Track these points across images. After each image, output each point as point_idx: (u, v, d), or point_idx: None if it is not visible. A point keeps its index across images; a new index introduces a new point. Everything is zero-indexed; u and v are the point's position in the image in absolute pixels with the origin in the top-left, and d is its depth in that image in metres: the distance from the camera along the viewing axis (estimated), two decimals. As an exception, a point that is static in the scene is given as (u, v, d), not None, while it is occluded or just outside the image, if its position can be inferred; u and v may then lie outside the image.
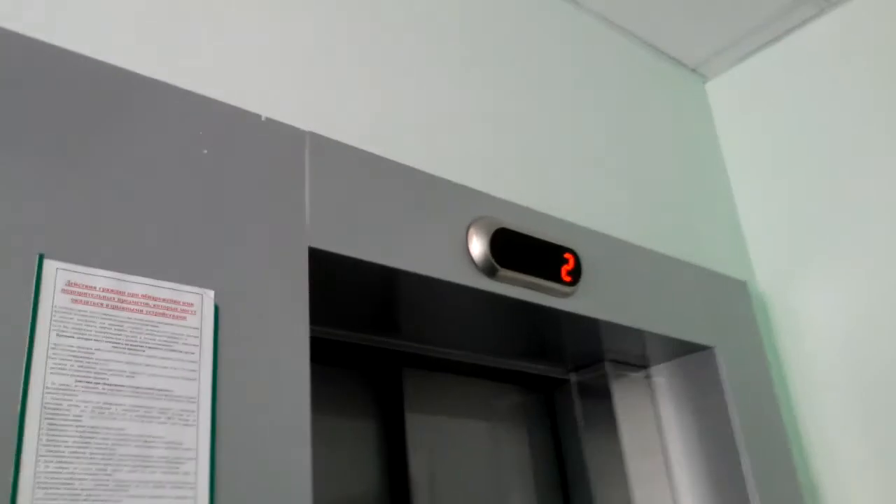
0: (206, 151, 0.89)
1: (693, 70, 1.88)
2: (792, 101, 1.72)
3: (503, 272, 1.11)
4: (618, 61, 1.71)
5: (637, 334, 1.33)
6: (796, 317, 1.60)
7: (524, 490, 1.38)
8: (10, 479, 0.65)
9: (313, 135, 0.99)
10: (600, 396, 1.42)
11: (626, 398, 1.43)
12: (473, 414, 1.37)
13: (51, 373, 0.70)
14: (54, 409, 0.69)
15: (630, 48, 1.75)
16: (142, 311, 0.78)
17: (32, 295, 0.71)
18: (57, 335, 0.72)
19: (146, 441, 0.73)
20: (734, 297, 1.53)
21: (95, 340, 0.74)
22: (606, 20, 1.70)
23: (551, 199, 1.35)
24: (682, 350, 1.43)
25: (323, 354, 1.15)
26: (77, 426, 0.70)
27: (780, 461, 1.41)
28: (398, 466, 1.21)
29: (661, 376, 1.48)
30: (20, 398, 0.68)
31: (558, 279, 1.18)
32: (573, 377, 1.46)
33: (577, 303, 1.21)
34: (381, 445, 1.23)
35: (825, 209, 1.61)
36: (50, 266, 0.73)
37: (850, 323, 1.52)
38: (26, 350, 0.69)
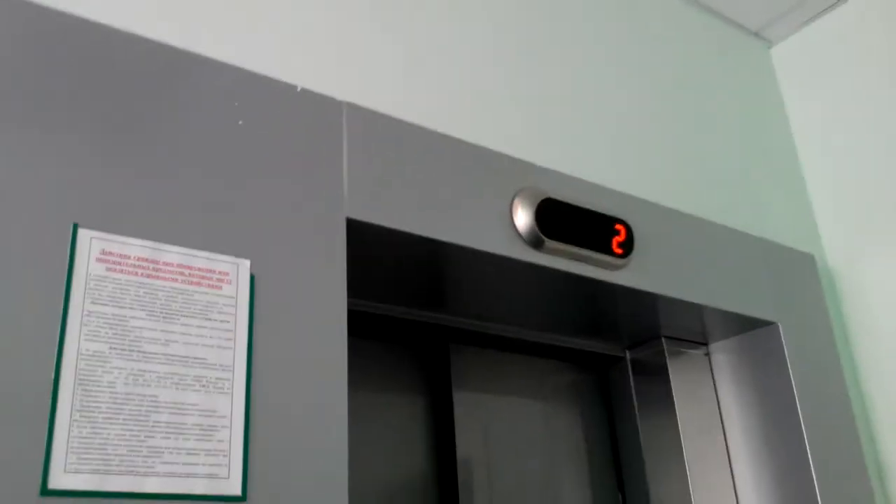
0: (241, 122, 0.89)
1: (756, 34, 1.79)
2: (862, 64, 1.62)
3: (550, 244, 1.07)
4: (675, 26, 1.64)
5: (695, 309, 1.28)
6: (865, 292, 1.51)
7: (577, 472, 1.35)
8: (44, 445, 0.65)
9: (350, 105, 0.97)
10: (657, 374, 1.37)
11: (683, 376, 1.38)
12: (524, 392, 1.34)
13: (85, 340, 0.71)
14: (88, 375, 0.70)
15: (688, 12, 1.68)
16: (176, 279, 0.78)
17: (67, 263, 0.72)
18: (91, 303, 0.72)
19: (180, 408, 0.73)
20: (800, 270, 1.46)
21: (130, 308, 0.74)
22: (661, -15, 1.63)
23: (601, 169, 1.30)
24: (744, 326, 1.37)
25: (367, 329, 1.14)
26: (111, 393, 0.70)
27: (846, 442, 1.34)
28: (445, 445, 1.19)
29: (722, 353, 1.42)
30: (54, 364, 0.68)
31: (609, 251, 1.14)
32: (628, 354, 1.42)
33: (629, 276, 1.17)
34: (428, 423, 1.21)
35: (900, 178, 1.52)
36: (84, 235, 0.74)
37: (927, 297, 1.43)
38: (60, 317, 0.70)
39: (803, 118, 1.72)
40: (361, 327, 1.09)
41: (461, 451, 1.20)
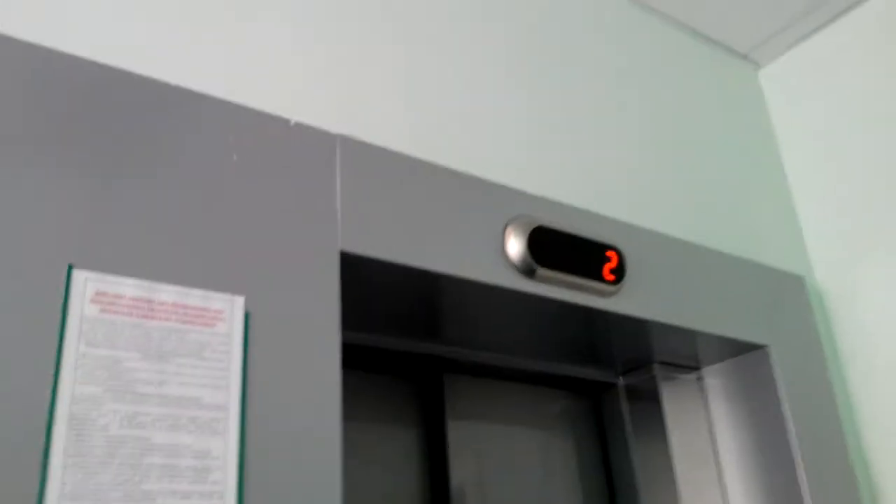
0: (235, 157, 0.89)
1: (744, 57, 1.81)
2: (851, 86, 1.64)
3: (542, 272, 1.08)
4: (663, 49, 1.66)
5: (687, 334, 1.28)
6: (856, 314, 1.53)
7: (570, 498, 1.35)
8: (37, 489, 0.65)
9: (344, 137, 0.98)
10: (649, 400, 1.37)
11: (676, 401, 1.38)
12: (517, 420, 1.34)
13: (79, 383, 0.70)
14: (82, 418, 0.69)
15: (676, 35, 1.70)
16: (171, 319, 0.77)
17: (61, 305, 0.72)
18: (86, 345, 0.72)
19: (174, 450, 0.73)
20: (790, 293, 1.47)
21: (125, 350, 0.74)
22: (649, 7, 1.64)
23: (592, 196, 1.31)
24: (735, 350, 1.37)
25: (361, 361, 1.14)
26: (105, 436, 0.70)
27: (838, 466, 1.34)
28: (440, 475, 1.19)
29: (714, 378, 1.42)
30: (48, 408, 0.68)
31: (601, 278, 1.15)
32: (621, 380, 1.42)
33: (621, 302, 1.17)
34: (423, 453, 1.21)
35: (888, 200, 1.53)
36: (79, 276, 0.74)
37: (916, 319, 1.44)
38: (55, 360, 0.70)
39: (792, 140, 1.74)
40: (355, 360, 1.09)
41: (455, 479, 1.20)
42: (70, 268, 0.74)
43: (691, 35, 1.72)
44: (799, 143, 1.72)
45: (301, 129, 0.95)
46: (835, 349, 1.54)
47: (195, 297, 0.79)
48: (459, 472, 1.20)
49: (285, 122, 0.94)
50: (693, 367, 1.44)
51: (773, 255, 1.56)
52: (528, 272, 1.07)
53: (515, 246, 1.07)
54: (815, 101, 1.70)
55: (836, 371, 1.50)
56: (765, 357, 1.36)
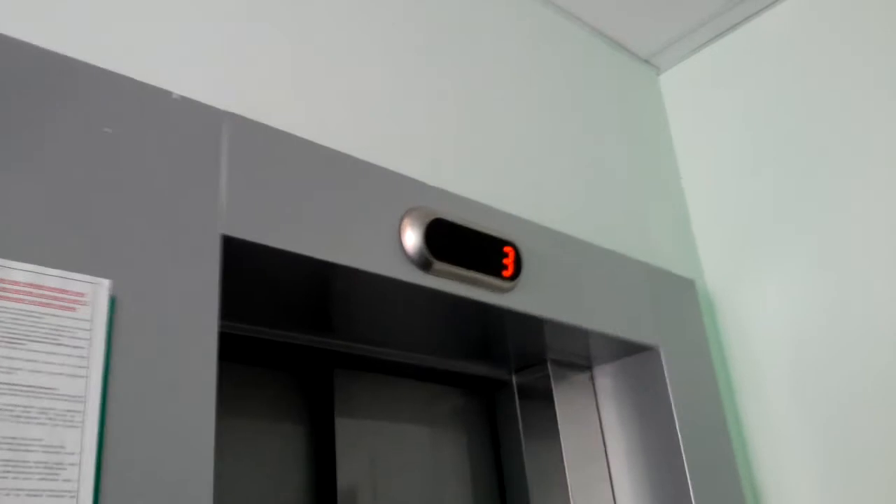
0: (108, 130, 0.82)
1: (646, 61, 1.84)
2: (747, 94, 1.69)
3: (438, 266, 1.05)
4: (566, 49, 1.66)
5: (580, 333, 1.28)
6: (744, 317, 1.57)
7: (461, 497, 1.32)
8: None
9: (231, 115, 0.92)
10: (542, 398, 1.37)
11: (568, 400, 1.38)
12: (409, 417, 1.31)
13: None
14: (-89, 409, 0.62)
15: (580, 36, 1.71)
16: (23, 300, 0.70)
17: None
18: (-80, 326, 0.64)
19: (21, 444, 0.66)
20: (681, 295, 1.50)
21: (-33, 332, 0.66)
22: (554, 5, 1.65)
23: (492, 190, 1.29)
24: (627, 350, 1.39)
25: (245, 353, 1.08)
26: (-61, 428, 0.62)
27: (723, 464, 1.38)
28: (327, 475, 1.15)
29: (605, 377, 1.44)
30: None
31: (497, 274, 1.13)
32: (514, 378, 1.41)
33: (516, 299, 1.16)
34: (309, 451, 1.16)
35: (777, 208, 1.58)
36: (-85, 249, 0.66)
37: (798, 324, 1.50)
38: None
39: (687, 145, 1.78)
40: (239, 352, 1.04)
41: (343, 479, 1.16)
42: None
43: (595, 36, 1.74)
44: (695, 148, 1.77)
45: (185, 103, 0.89)
46: (722, 351, 1.58)
47: (53, 278, 0.72)
48: (347, 472, 1.16)
49: (167, 94, 0.88)
50: (585, 366, 1.44)
51: (665, 258, 1.58)
52: (424, 265, 1.04)
53: (412, 238, 1.04)
54: (711, 108, 1.75)
55: (722, 372, 1.54)
56: (655, 357, 1.38)
